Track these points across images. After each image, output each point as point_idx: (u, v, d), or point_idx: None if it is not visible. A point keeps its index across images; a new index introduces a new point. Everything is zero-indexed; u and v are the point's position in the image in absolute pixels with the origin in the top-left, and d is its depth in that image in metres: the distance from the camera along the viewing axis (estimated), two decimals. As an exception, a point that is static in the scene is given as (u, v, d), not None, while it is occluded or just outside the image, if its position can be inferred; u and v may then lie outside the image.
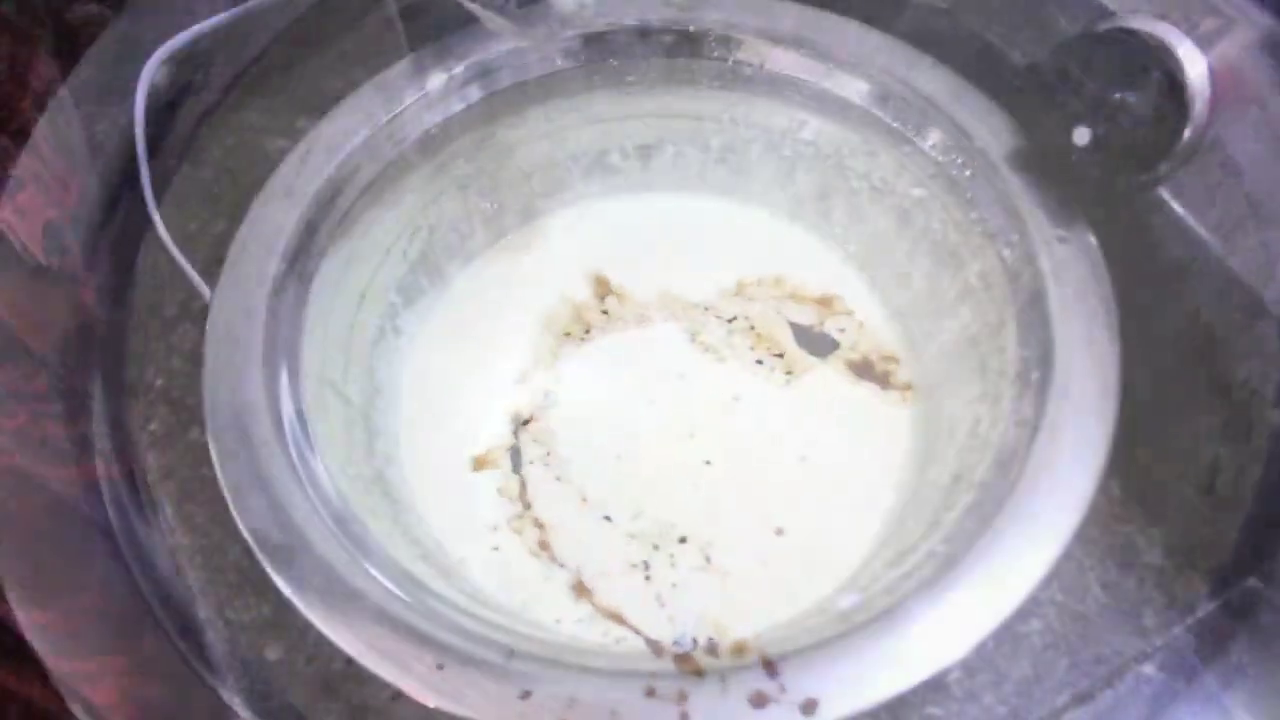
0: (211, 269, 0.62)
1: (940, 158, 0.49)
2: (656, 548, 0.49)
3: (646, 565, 0.49)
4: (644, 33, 0.53)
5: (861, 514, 0.50)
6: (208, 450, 0.41)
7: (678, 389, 0.55)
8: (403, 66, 0.52)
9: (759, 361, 0.55)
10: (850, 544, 0.49)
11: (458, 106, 0.52)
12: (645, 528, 0.50)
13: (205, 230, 0.65)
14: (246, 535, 0.38)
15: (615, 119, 0.57)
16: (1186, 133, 0.42)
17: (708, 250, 0.60)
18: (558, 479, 0.52)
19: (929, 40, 0.53)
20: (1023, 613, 0.36)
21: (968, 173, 0.48)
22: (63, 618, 0.48)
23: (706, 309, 0.57)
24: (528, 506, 0.51)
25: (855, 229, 0.57)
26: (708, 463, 0.52)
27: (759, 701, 0.35)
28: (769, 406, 0.54)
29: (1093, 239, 0.45)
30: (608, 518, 0.50)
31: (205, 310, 0.60)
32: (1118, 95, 0.42)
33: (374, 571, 0.38)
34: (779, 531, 0.50)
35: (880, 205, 0.55)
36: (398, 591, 0.37)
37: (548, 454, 0.52)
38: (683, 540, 0.49)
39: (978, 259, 0.48)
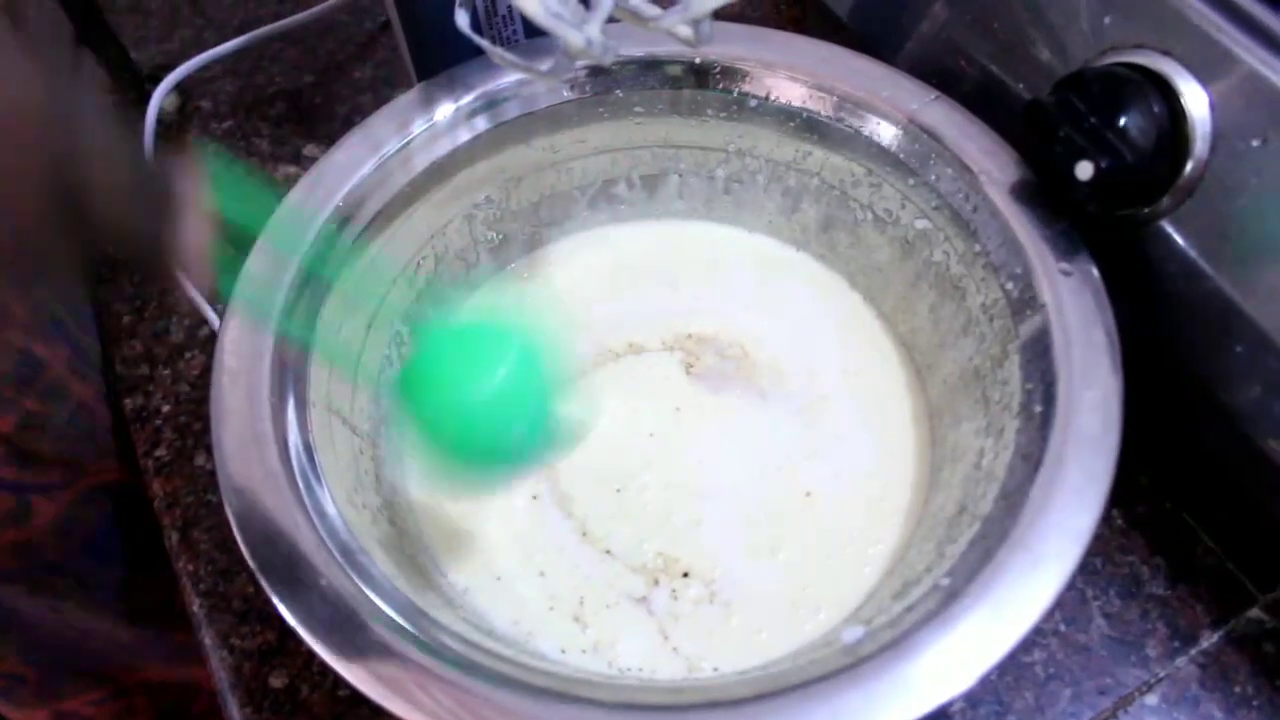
0: (219, 296, 0.63)
1: (944, 190, 0.50)
2: (657, 582, 0.49)
3: (648, 600, 0.49)
4: (650, 65, 0.54)
5: (866, 546, 0.50)
6: (214, 476, 0.41)
7: (677, 421, 0.55)
8: (411, 96, 0.52)
9: (760, 394, 0.56)
10: (855, 577, 0.49)
11: (465, 137, 0.52)
12: (647, 562, 0.50)
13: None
14: (252, 563, 0.38)
15: (621, 149, 0.58)
16: (1188, 166, 0.43)
17: (713, 279, 0.61)
18: (558, 512, 0.52)
19: (934, 74, 0.53)
20: (1026, 644, 0.36)
21: (971, 205, 0.49)
22: None
23: (702, 340, 0.58)
24: (529, 538, 0.51)
25: (860, 260, 0.58)
26: (708, 497, 0.52)
27: None
28: (770, 438, 0.54)
29: (1096, 272, 0.45)
30: (609, 551, 0.50)
31: (213, 338, 0.60)
32: (1120, 129, 0.43)
33: (379, 601, 0.38)
34: (783, 565, 0.50)
35: (884, 236, 0.55)
36: (403, 622, 0.38)
37: (549, 486, 0.53)
38: (685, 575, 0.49)
39: (981, 291, 0.49)
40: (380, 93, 0.75)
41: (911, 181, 0.52)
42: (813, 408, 0.55)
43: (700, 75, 0.54)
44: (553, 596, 0.49)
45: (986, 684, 0.47)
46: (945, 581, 0.39)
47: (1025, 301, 0.46)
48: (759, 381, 0.56)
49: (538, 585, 0.49)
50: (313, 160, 0.51)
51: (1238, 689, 0.47)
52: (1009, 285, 0.47)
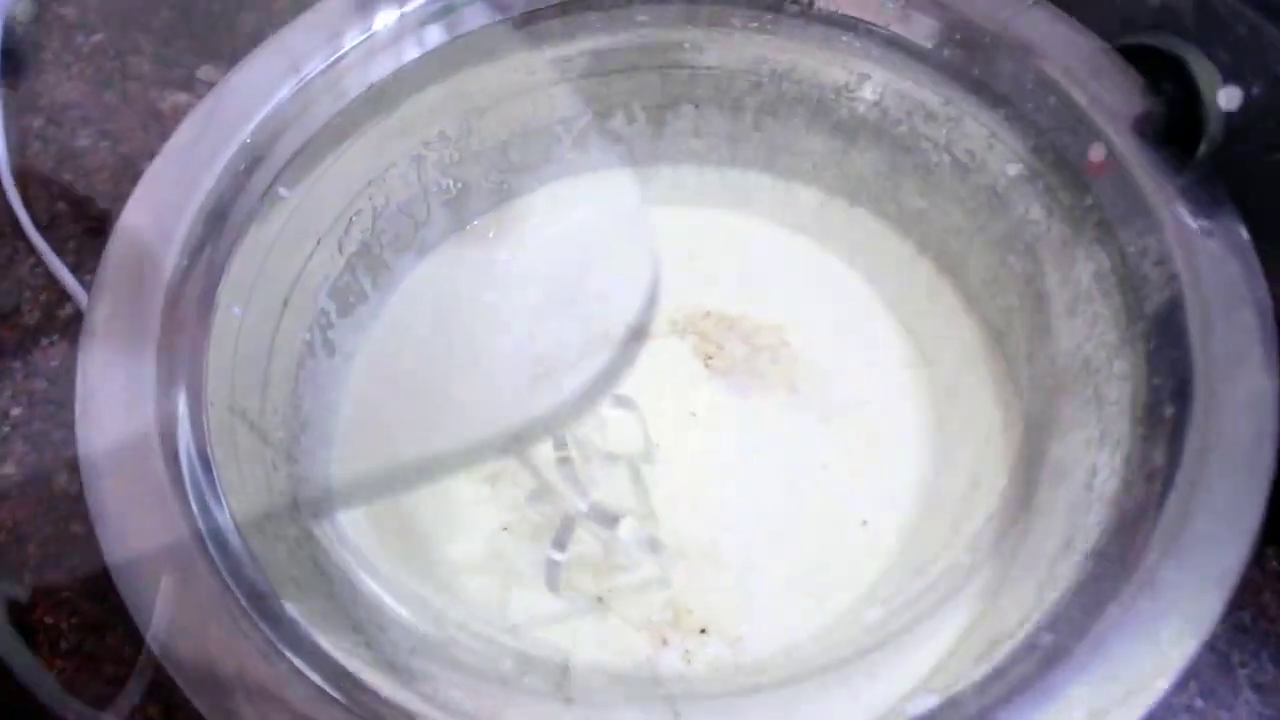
0: (87, 263, 0.63)
1: (1044, 124, 0.50)
2: (665, 641, 0.49)
3: (654, 663, 0.49)
4: (658, -41, 0.54)
5: (941, 596, 0.50)
6: (80, 502, 0.41)
7: (692, 429, 0.55)
8: (341, 0, 0.52)
9: (800, 394, 0.55)
10: (925, 632, 0.49)
11: (413, 53, 0.52)
12: (652, 615, 0.50)
13: (79, 214, 0.66)
14: (131, 614, 0.38)
15: (619, 71, 0.58)
16: (1369, 94, 0.43)
17: (738, 244, 0.61)
18: (535, 547, 0.52)
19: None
20: (1152, 722, 0.36)
21: (1080, 145, 0.49)
22: None
23: (724, 323, 0.58)
24: (497, 582, 0.51)
25: (933, 217, 0.58)
26: (732, 528, 0.52)
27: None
28: (814, 453, 0.54)
29: (1244, 232, 0.45)
30: (601, 600, 0.50)
31: (78, 318, 0.60)
32: (1278, 44, 0.43)
33: (298, 663, 0.38)
34: (831, 619, 0.50)
35: (965, 185, 0.55)
36: (329, 689, 0.38)
37: (521, 515, 0.53)
38: (702, 631, 0.49)
39: (1093, 258, 0.49)
40: (300, -2, 0.75)
41: (1002, 113, 0.52)
42: (869, 413, 0.55)
43: (723, -27, 0.54)
44: (526, 660, 0.49)
45: (1099, 775, 0.47)
46: (1045, 638, 0.39)
47: (1151, 271, 0.46)
48: (798, 379, 0.56)
49: (507, 644, 0.49)
50: (210, 85, 0.50)
51: None
52: (1130, 249, 0.47)
